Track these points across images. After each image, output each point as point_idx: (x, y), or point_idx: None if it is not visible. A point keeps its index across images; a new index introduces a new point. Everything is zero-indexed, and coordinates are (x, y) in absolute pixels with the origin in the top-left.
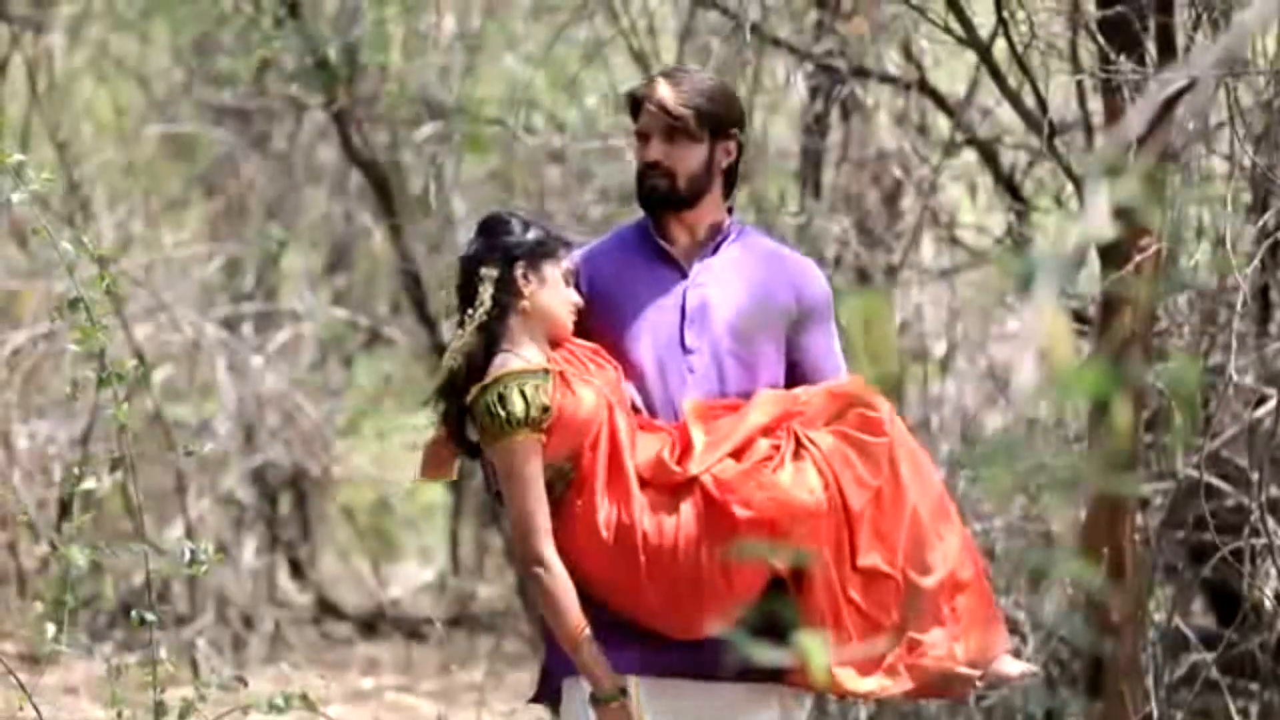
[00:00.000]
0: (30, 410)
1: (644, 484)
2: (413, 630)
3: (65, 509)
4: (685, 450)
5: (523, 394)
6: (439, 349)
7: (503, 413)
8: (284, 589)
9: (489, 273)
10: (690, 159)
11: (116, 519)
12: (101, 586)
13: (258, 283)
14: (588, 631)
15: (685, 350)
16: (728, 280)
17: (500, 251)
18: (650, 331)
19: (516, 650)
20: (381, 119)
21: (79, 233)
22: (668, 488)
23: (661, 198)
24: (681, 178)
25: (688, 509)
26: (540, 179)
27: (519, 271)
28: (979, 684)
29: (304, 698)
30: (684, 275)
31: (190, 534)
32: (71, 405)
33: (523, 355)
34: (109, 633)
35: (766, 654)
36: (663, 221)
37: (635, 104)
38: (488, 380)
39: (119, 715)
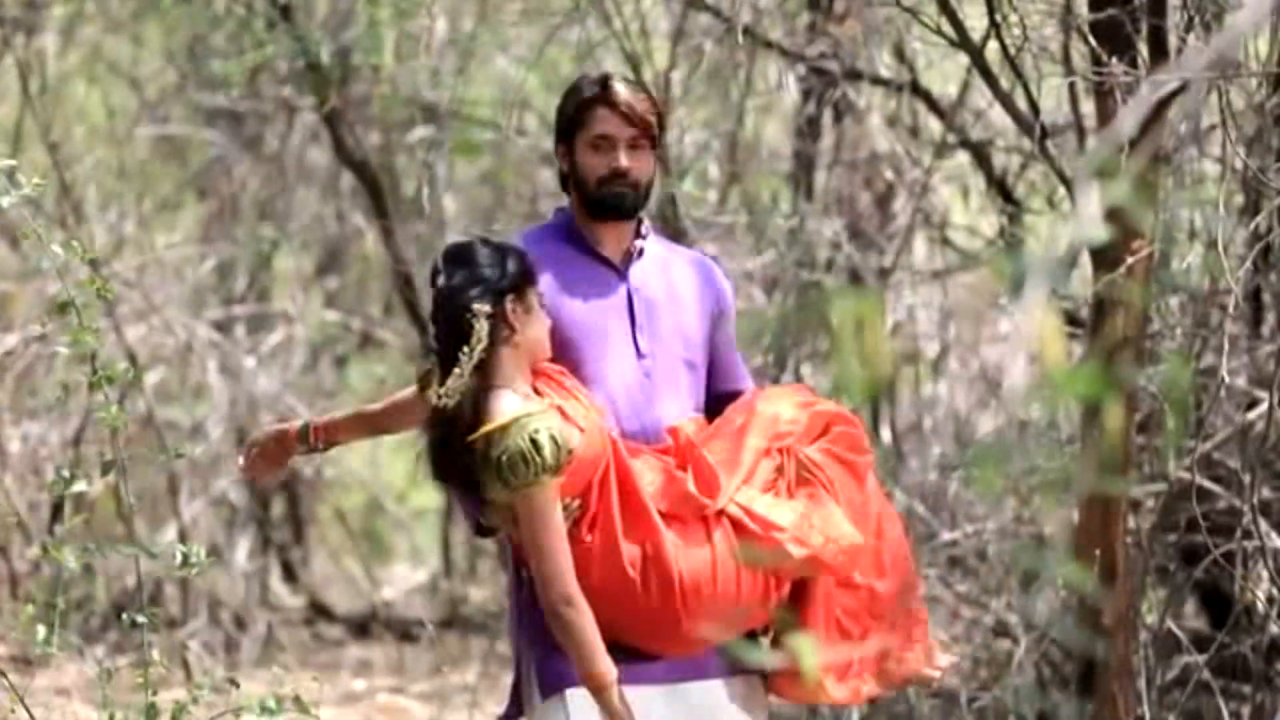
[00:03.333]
0: (22, 412)
1: (662, 516)
2: (405, 632)
3: (57, 511)
4: (707, 480)
5: (553, 438)
6: (431, 353)
7: (538, 459)
8: (276, 591)
9: (482, 309)
10: (648, 167)
11: (109, 521)
12: (93, 588)
13: (250, 285)
14: (615, 672)
15: (640, 355)
16: (662, 283)
17: (487, 284)
18: (605, 339)
19: (509, 652)
20: (374, 121)
21: (71, 235)
22: (693, 520)
23: (628, 207)
24: (642, 186)
25: (721, 541)
26: (532, 181)
27: (509, 306)
28: (936, 683)
29: (296, 700)
30: (622, 278)
31: (183, 536)
32: (64, 407)
33: (520, 391)
34: (101, 635)
35: (762, 658)
36: (596, 228)
37: (582, 107)
38: (502, 422)
39: (111, 717)
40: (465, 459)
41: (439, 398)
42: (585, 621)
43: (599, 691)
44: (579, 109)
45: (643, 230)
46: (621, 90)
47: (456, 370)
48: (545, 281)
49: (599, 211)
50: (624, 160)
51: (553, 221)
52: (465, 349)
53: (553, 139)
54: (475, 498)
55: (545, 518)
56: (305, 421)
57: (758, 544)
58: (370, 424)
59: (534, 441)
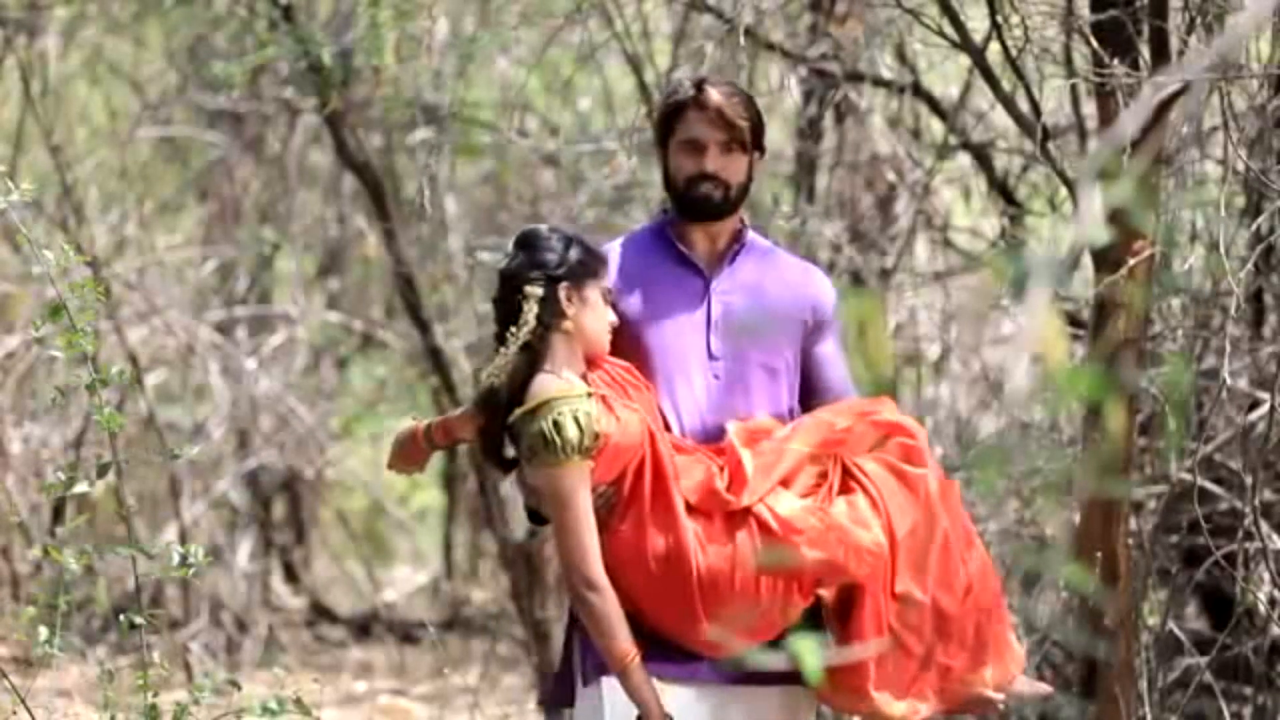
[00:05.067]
0: (23, 414)
1: (690, 510)
2: (406, 634)
3: (59, 513)
4: (736, 478)
5: (577, 421)
6: (433, 352)
7: (558, 440)
8: (278, 592)
9: (534, 291)
10: (740, 170)
11: (111, 522)
12: (95, 590)
13: (251, 286)
14: (638, 656)
15: (711, 357)
16: (750, 288)
17: (543, 270)
18: (677, 338)
19: (510, 653)
20: (375, 122)
21: (73, 236)
22: (720, 517)
23: (715, 208)
24: (733, 189)
25: (744, 540)
26: (533, 182)
27: (563, 293)
28: (1000, 706)
29: (298, 701)
30: (706, 282)
31: (184, 538)
32: (65, 409)
33: (565, 377)
34: (102, 636)
35: (773, 660)
36: (687, 229)
37: (675, 111)
38: (534, 403)
39: (112, 719)
40: (507, 441)
41: (486, 376)
42: (607, 604)
43: (620, 674)
44: (672, 111)
45: (742, 235)
46: (714, 94)
47: (503, 349)
48: (626, 280)
49: (688, 212)
50: (711, 164)
51: (652, 224)
52: (513, 329)
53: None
54: (525, 483)
55: (570, 500)
56: (428, 422)
57: (778, 544)
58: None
59: (556, 424)
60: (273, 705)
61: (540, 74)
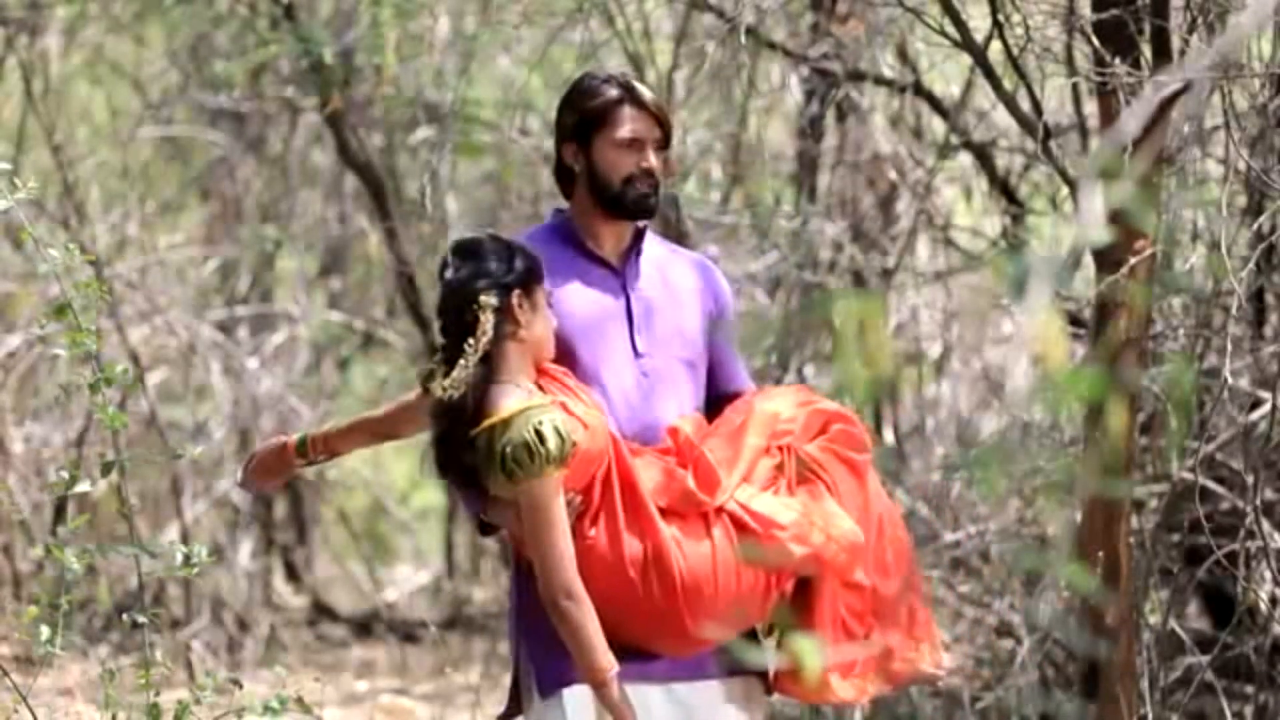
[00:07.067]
0: (26, 412)
1: (661, 513)
2: (408, 633)
3: (60, 511)
4: (705, 477)
5: (556, 430)
6: (434, 352)
7: (542, 449)
8: (279, 592)
9: (489, 301)
10: (659, 167)
11: (113, 521)
12: (97, 589)
13: (253, 285)
14: (616, 668)
15: (637, 354)
16: (660, 282)
17: (494, 278)
18: (602, 338)
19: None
20: (377, 122)
21: (74, 236)
22: (693, 518)
23: (649, 207)
24: (659, 186)
25: (721, 539)
26: (535, 181)
27: (515, 301)
28: (940, 682)
29: (299, 700)
30: (619, 279)
31: (186, 537)
32: (67, 407)
33: (524, 387)
34: (104, 635)
35: (765, 658)
36: (596, 227)
37: (607, 107)
38: (507, 414)
39: (113, 718)
40: (467, 453)
41: (443, 390)
42: (585, 614)
43: (598, 686)
44: (605, 108)
45: (641, 229)
46: (645, 91)
47: (461, 362)
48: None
49: (620, 211)
50: (653, 159)
51: (550, 223)
52: (470, 341)
53: (556, 137)
54: (477, 494)
55: (548, 510)
56: (303, 434)
57: (758, 542)
58: (373, 431)
59: (538, 433)
60: (274, 704)
61: (542, 73)
